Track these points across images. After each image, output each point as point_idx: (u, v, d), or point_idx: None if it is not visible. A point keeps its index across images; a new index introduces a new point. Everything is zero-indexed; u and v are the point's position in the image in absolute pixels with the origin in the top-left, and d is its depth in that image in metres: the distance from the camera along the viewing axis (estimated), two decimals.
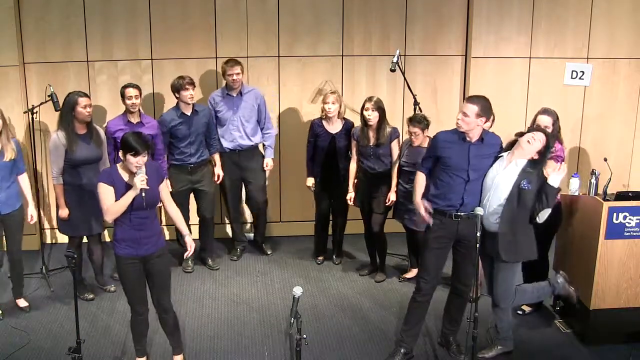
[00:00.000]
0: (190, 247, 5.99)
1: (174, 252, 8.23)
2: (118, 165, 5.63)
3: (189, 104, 7.78)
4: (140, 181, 5.41)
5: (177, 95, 7.76)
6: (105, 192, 5.50)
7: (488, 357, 6.33)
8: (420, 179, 6.22)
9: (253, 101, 8.19)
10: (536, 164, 5.77)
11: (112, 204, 5.47)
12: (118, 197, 5.48)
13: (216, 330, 6.89)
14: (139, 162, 5.43)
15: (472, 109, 5.77)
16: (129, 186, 5.50)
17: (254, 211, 8.72)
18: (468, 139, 5.87)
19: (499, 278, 6.03)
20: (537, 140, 5.77)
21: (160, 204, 5.91)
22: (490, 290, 6.19)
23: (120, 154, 5.51)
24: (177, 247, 8.08)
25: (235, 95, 8.12)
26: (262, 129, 8.34)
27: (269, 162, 8.38)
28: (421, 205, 6.10)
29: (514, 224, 5.81)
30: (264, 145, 8.41)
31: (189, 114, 7.81)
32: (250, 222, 8.98)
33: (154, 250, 5.71)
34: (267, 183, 8.63)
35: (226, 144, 8.20)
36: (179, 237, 7.07)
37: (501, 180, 5.80)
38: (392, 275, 8.16)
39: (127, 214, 5.53)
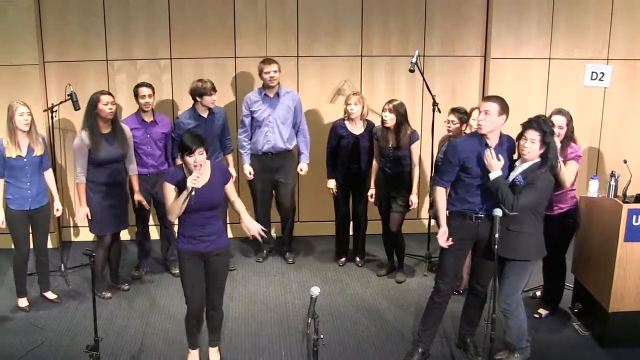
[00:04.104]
0: (251, 229, 5.95)
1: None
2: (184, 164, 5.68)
3: (211, 108, 7.78)
4: (192, 180, 5.44)
5: (199, 99, 7.70)
6: (168, 191, 5.60)
7: (505, 359, 6.30)
8: (441, 195, 6.05)
9: (290, 103, 8.13)
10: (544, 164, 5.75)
11: (171, 204, 5.56)
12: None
13: (233, 330, 6.89)
14: (196, 160, 5.46)
15: (494, 106, 5.69)
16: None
17: (282, 215, 8.65)
18: (488, 143, 5.82)
19: (506, 278, 5.99)
20: (528, 140, 5.74)
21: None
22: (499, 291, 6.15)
23: (179, 157, 5.60)
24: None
25: (272, 96, 8.06)
26: (297, 133, 8.28)
27: (303, 167, 8.27)
28: (444, 237, 6.00)
29: (511, 219, 5.77)
30: (299, 150, 8.34)
31: (205, 116, 7.79)
32: (278, 222, 8.91)
33: (214, 249, 5.77)
34: (295, 189, 8.58)
35: (260, 147, 8.13)
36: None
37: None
38: (411, 276, 8.16)
39: (188, 213, 5.60)
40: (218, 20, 8.68)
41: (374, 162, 7.90)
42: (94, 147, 7.01)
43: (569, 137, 6.61)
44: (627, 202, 6.19)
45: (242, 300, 7.54)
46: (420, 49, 8.58)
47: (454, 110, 7.44)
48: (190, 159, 5.46)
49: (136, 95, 7.65)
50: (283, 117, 8.10)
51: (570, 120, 6.64)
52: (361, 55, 8.96)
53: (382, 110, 7.53)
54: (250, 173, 8.19)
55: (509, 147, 5.88)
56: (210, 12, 8.65)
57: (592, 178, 6.83)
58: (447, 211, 6.04)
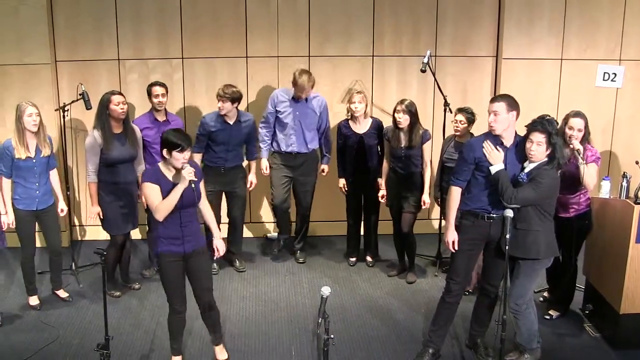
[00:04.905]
0: (218, 250, 6.05)
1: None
2: (160, 164, 5.69)
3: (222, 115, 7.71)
4: (188, 173, 5.47)
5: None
6: (152, 191, 5.56)
7: None
8: (456, 196, 6.03)
9: (316, 108, 8.09)
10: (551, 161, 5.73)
11: (161, 202, 5.52)
12: (163, 195, 5.54)
13: (243, 330, 6.90)
14: (185, 157, 5.49)
15: (501, 105, 5.70)
16: (173, 184, 5.55)
17: (301, 212, 8.56)
18: (504, 143, 5.81)
19: (516, 279, 5.97)
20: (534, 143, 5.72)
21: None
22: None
23: (165, 152, 5.54)
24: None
25: (300, 100, 8.02)
26: (320, 135, 8.24)
27: (325, 168, 8.32)
28: (450, 240, 6.04)
29: (519, 217, 5.77)
30: (321, 151, 8.32)
31: (231, 123, 7.73)
32: (292, 221, 8.84)
33: (196, 248, 5.78)
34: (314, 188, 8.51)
35: (284, 147, 8.09)
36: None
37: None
38: (422, 277, 8.15)
39: (174, 211, 5.58)
40: (230, 19, 8.69)
41: (385, 163, 7.89)
42: (106, 146, 7.02)
43: (586, 140, 6.58)
44: (639, 203, 6.17)
45: (253, 300, 7.55)
46: (431, 49, 8.58)
47: (461, 110, 7.43)
48: (180, 156, 5.47)
49: (149, 94, 7.67)
50: (308, 123, 8.07)
51: (587, 122, 6.62)
52: (372, 55, 8.95)
53: (395, 112, 7.51)
54: (266, 168, 8.16)
55: (523, 148, 5.84)
56: (222, 11, 8.66)
57: (604, 179, 6.80)
58: (460, 210, 6.04)
